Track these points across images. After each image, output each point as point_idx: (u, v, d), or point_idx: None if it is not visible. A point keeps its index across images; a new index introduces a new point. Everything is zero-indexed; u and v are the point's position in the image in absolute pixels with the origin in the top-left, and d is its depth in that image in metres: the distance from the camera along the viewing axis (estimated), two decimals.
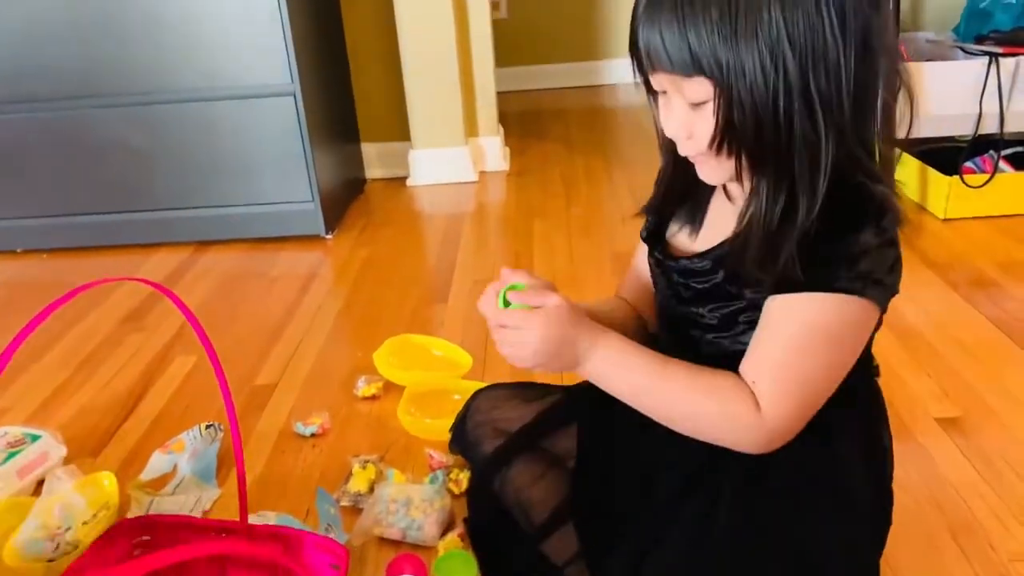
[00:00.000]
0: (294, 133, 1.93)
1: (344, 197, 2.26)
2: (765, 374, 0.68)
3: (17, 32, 1.86)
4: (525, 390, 0.99)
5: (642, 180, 2.20)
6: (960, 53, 2.02)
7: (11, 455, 1.15)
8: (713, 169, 0.71)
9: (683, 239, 0.80)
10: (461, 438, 0.98)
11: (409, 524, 0.98)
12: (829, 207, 0.65)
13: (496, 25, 2.43)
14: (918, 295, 1.54)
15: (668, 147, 0.76)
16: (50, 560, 0.98)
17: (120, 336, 1.60)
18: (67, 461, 1.20)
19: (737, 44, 0.61)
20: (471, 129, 2.48)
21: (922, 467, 1.07)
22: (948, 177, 1.85)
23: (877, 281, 0.67)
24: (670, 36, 0.63)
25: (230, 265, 1.95)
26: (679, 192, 0.80)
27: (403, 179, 2.46)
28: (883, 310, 0.70)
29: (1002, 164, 1.90)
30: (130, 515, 1.08)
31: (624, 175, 2.36)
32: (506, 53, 2.59)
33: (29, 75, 1.90)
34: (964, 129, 1.90)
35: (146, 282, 0.84)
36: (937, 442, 1.12)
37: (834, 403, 0.70)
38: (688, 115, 0.67)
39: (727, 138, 0.66)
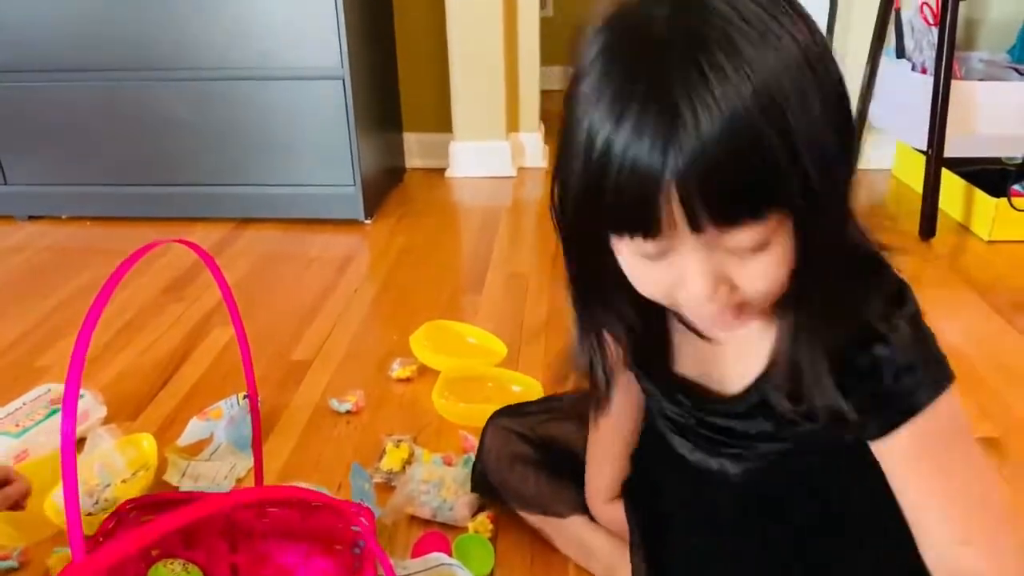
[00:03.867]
0: (340, 118, 1.95)
1: (384, 184, 2.27)
2: (962, 521, 0.58)
3: (81, 3, 1.89)
4: (530, 416, 1.01)
5: None
6: (1014, 74, 2.00)
7: (54, 411, 1.18)
8: (736, 322, 0.57)
9: (692, 373, 0.69)
10: (484, 481, 0.99)
11: (440, 504, 0.99)
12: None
13: (542, 23, 2.43)
14: (960, 316, 1.52)
15: (622, 316, 0.63)
16: (88, 514, 1.01)
17: (161, 304, 1.62)
18: (106, 422, 1.22)
19: (802, 117, 0.47)
20: (512, 124, 2.49)
21: None
22: (995, 199, 1.82)
23: (940, 352, 0.60)
24: (723, 157, 0.46)
25: (270, 243, 1.97)
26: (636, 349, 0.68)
27: (442, 170, 2.47)
28: None
29: None
30: (167, 477, 1.10)
31: None
32: (550, 51, 2.59)
33: (88, 46, 1.93)
34: (1014, 151, 1.87)
35: (197, 249, 0.86)
36: None
37: None
38: (731, 266, 0.52)
39: (808, 264, 0.52)
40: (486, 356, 1.37)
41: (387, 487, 1.06)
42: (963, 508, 0.59)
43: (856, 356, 0.57)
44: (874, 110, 2.17)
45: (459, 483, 1.01)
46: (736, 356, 0.65)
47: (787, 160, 0.46)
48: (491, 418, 1.02)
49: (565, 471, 0.93)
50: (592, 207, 0.51)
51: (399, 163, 2.48)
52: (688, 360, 0.69)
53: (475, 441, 1.13)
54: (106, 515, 0.98)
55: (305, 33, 1.89)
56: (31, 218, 2.12)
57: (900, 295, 0.59)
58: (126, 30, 1.91)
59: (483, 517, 0.98)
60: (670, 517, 0.80)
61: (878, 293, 0.58)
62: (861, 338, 0.57)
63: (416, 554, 0.93)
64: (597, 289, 0.61)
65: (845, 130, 0.51)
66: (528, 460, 0.94)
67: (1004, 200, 1.81)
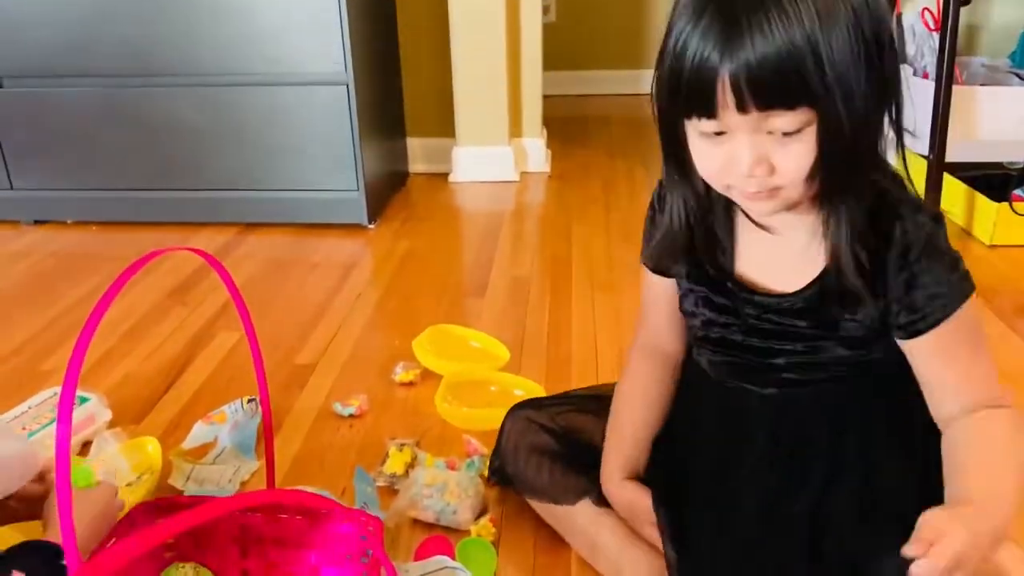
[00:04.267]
0: (344, 123, 1.96)
1: (387, 189, 2.28)
2: (979, 388, 0.75)
3: (87, 8, 1.91)
4: (550, 408, 1.02)
5: None
6: (1015, 79, 2.00)
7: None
8: (780, 202, 0.70)
9: (753, 274, 0.80)
10: (501, 471, 1.01)
11: (444, 508, 1.00)
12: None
13: (544, 29, 2.44)
14: None
15: (694, 189, 0.76)
16: None
17: (165, 309, 1.63)
18: (111, 426, 1.23)
19: (835, 63, 0.61)
20: (515, 130, 2.49)
21: None
22: (996, 204, 1.83)
23: (965, 269, 0.74)
24: (768, 67, 0.61)
25: (273, 248, 1.98)
26: (704, 231, 0.80)
27: (445, 175, 2.48)
28: None
29: None
30: (171, 481, 1.11)
31: None
32: (553, 57, 2.60)
33: (94, 51, 1.94)
34: (1015, 156, 1.88)
35: (207, 256, 0.86)
36: None
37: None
38: (769, 147, 0.66)
39: (827, 162, 0.65)
40: (489, 360, 1.38)
41: (390, 491, 1.07)
42: (968, 385, 0.75)
43: (893, 267, 0.71)
44: None
45: (462, 487, 1.02)
46: (796, 251, 0.76)
47: (817, 80, 0.62)
48: (512, 409, 1.03)
49: (580, 461, 0.94)
50: (671, 92, 0.68)
51: (402, 168, 2.49)
52: (749, 258, 0.80)
53: (478, 445, 1.14)
54: None
55: (309, 39, 1.90)
56: (37, 223, 2.13)
57: (936, 219, 0.72)
58: (132, 35, 1.93)
59: (485, 521, 0.98)
60: (699, 514, 0.83)
61: (911, 212, 0.71)
62: (899, 251, 0.71)
63: (419, 557, 0.93)
64: (679, 164, 0.75)
65: (875, 76, 0.64)
66: (545, 450, 0.96)
67: (1006, 205, 1.81)
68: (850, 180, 0.68)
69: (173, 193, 2.08)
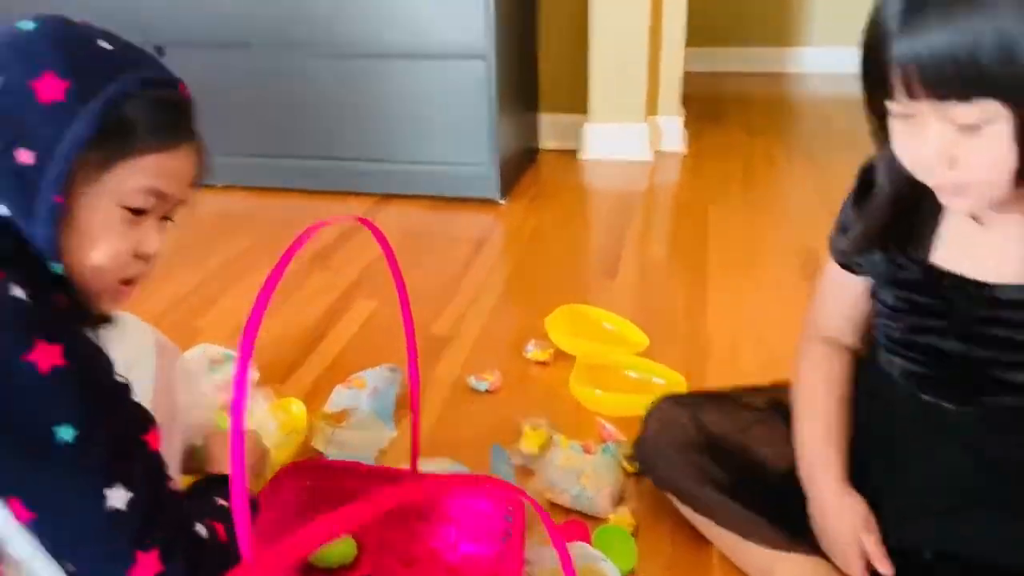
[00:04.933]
0: (482, 97, 1.96)
1: (519, 165, 2.27)
2: None
3: None
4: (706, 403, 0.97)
5: (828, 178, 2.09)
6: None
7: (212, 371, 1.24)
8: (976, 200, 0.66)
9: (965, 267, 0.73)
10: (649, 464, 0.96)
11: (580, 493, 0.98)
12: None
13: (689, 3, 2.35)
14: None
15: (898, 175, 0.71)
16: None
17: (307, 274, 1.69)
18: (256, 385, 1.28)
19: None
20: (652, 107, 2.43)
21: None
22: None
23: None
24: (948, 54, 0.58)
25: (409, 219, 2.02)
26: (904, 219, 0.75)
27: (574, 152, 2.45)
28: None
29: None
30: (313, 443, 1.14)
31: (806, 169, 2.24)
32: (696, 32, 2.51)
33: (246, 23, 2.02)
34: None
35: (369, 225, 0.87)
36: None
37: None
38: (952, 139, 0.62)
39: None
40: (623, 344, 1.35)
41: (525, 470, 1.06)
42: None
43: None
44: None
45: (599, 473, 1.00)
46: (1003, 241, 0.70)
47: (1001, 73, 0.57)
48: (662, 402, 0.98)
49: (745, 486, 0.88)
50: (860, 66, 0.66)
51: (533, 144, 2.47)
52: (949, 244, 0.73)
53: (613, 431, 1.12)
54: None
55: (451, 12, 1.90)
56: None
57: None
58: (282, 7, 1.99)
59: (624, 510, 0.96)
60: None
61: None
62: None
63: None
64: (881, 143, 0.71)
65: None
66: (702, 462, 0.90)
67: None
68: None
69: (313, 162, 2.14)
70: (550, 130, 2.51)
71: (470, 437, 1.15)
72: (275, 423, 1.14)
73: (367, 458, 1.11)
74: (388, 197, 2.12)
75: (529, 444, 1.09)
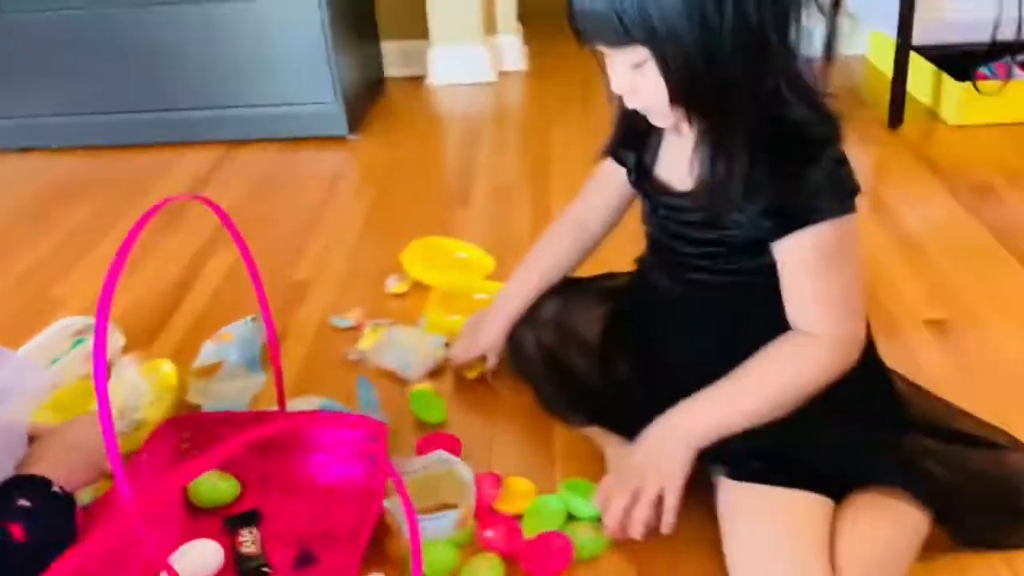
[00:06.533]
0: (316, 31, 1.96)
1: (366, 97, 2.29)
2: (809, 310, 0.82)
3: None
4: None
5: None
6: None
7: (77, 342, 1.27)
8: (662, 117, 0.81)
9: (665, 174, 0.90)
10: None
11: (404, 363, 1.19)
12: (780, 141, 0.77)
13: None
14: (919, 201, 1.60)
15: (618, 97, 0.85)
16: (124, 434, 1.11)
17: (162, 234, 1.69)
18: (124, 351, 1.32)
19: (662, 7, 0.70)
20: (490, 26, 2.47)
21: (906, 365, 1.16)
22: (961, 83, 1.87)
23: (851, 193, 0.80)
24: (599, 12, 0.73)
25: (259, 165, 2.02)
26: (642, 129, 0.89)
27: (421, 78, 2.48)
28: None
29: (1017, 71, 1.92)
30: (188, 398, 1.20)
31: None
32: None
33: None
34: (981, 35, 1.90)
35: (211, 205, 0.92)
36: (922, 342, 1.22)
37: None
38: (630, 74, 0.77)
39: (672, 93, 0.76)
40: (475, 270, 1.45)
41: (358, 366, 1.23)
42: (825, 303, 0.82)
43: (779, 169, 0.77)
44: None
45: (426, 352, 1.21)
46: (686, 157, 0.84)
47: (638, 25, 0.72)
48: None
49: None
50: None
51: (378, 73, 2.48)
52: (663, 159, 0.91)
53: None
54: (137, 435, 1.10)
55: None
56: (23, 150, 2.15)
57: (828, 138, 0.78)
58: None
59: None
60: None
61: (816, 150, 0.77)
62: (797, 158, 0.77)
63: (420, 453, 1.04)
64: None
65: (704, 24, 0.71)
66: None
67: (969, 84, 1.85)
68: (709, 111, 0.77)
69: (154, 115, 2.09)
70: (395, 57, 2.51)
71: (337, 372, 1.24)
72: (147, 384, 1.19)
73: (241, 405, 1.18)
74: (235, 144, 2.11)
75: (366, 342, 1.27)
